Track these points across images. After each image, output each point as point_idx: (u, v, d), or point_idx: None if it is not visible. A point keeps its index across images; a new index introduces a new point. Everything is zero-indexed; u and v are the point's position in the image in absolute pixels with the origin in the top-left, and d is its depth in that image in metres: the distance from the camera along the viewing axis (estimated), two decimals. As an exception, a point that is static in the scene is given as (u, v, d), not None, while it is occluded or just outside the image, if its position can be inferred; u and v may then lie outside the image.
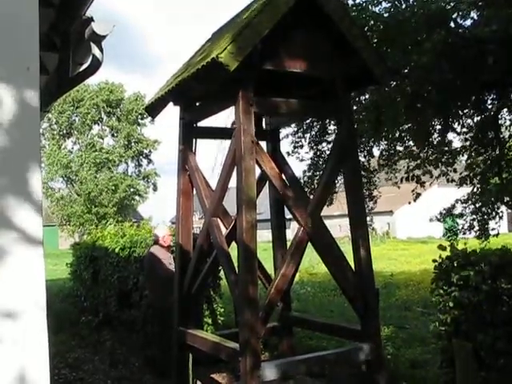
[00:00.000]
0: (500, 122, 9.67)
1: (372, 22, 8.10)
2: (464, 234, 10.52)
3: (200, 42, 7.07)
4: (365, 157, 11.11)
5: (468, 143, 10.10)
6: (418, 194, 10.89)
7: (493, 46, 6.88)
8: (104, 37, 3.94)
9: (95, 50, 4.04)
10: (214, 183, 6.15)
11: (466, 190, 10.73)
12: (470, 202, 10.47)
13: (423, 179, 10.58)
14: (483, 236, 10.21)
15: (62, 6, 3.75)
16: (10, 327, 2.58)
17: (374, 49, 6.04)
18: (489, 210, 10.15)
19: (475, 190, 10.33)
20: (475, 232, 10.37)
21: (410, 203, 11.30)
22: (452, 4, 7.65)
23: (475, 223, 10.37)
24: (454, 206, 10.90)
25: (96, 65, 4.15)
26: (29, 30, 2.72)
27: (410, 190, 10.87)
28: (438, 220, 11.37)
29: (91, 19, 3.83)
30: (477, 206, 10.32)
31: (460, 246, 5.53)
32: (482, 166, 9.99)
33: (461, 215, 10.72)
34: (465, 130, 9.99)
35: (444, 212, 11.11)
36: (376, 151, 11.21)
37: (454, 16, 7.70)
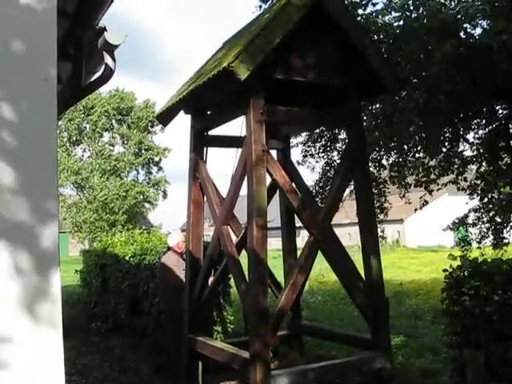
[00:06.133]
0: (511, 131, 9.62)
1: (383, 29, 8.10)
2: (479, 243, 10.45)
3: (212, 51, 7.13)
4: (375, 167, 11.06)
5: (479, 152, 10.06)
6: (426, 202, 10.86)
7: (503, 55, 6.87)
8: (117, 46, 3.98)
9: (108, 60, 4.08)
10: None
11: (477, 199, 10.67)
12: (483, 211, 10.42)
13: (431, 187, 10.54)
14: (499, 245, 10.16)
15: (75, 15, 3.79)
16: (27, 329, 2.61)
17: (383, 58, 6.05)
18: (503, 219, 10.10)
19: (487, 199, 10.28)
20: (490, 241, 10.32)
21: (416, 210, 11.27)
22: (460, 12, 7.64)
23: (489, 232, 10.31)
24: (467, 216, 10.84)
25: (108, 74, 4.19)
26: (47, 42, 2.76)
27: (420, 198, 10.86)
28: (451, 229, 11.32)
29: (104, 29, 3.87)
30: (490, 215, 10.26)
31: (473, 256, 5.50)
32: (493, 175, 9.95)
33: (474, 224, 10.66)
34: (476, 139, 9.97)
35: (457, 221, 11.05)
36: (386, 162, 11.16)
37: (465, 26, 7.69)
